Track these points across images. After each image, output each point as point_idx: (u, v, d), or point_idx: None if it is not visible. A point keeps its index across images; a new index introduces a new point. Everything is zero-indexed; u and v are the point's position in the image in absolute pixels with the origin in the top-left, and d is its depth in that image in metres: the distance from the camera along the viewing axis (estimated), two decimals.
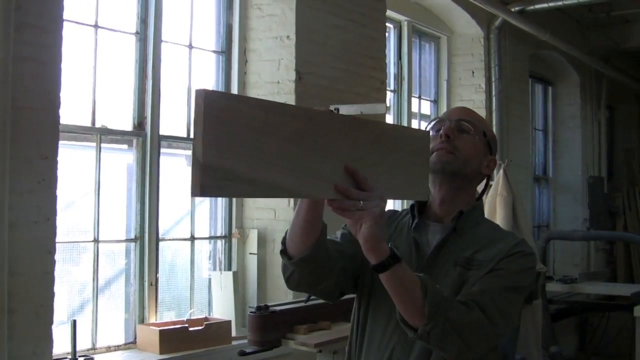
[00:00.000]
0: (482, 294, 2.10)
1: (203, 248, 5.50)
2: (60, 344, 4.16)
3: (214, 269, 5.46)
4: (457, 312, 2.03)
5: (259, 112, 1.69)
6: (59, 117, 3.97)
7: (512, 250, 2.22)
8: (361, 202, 1.90)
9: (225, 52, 5.61)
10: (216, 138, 1.58)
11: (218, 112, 1.59)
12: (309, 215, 2.06)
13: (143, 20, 4.96)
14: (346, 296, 2.41)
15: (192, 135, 5.08)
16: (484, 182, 2.45)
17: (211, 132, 1.58)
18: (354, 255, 2.23)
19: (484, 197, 2.51)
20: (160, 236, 5.00)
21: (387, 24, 6.90)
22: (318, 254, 2.13)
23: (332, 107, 2.05)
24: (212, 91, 1.61)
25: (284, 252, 2.17)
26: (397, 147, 2.10)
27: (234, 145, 1.62)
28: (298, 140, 1.76)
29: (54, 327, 3.93)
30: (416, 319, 2.02)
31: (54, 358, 3.99)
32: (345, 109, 1.91)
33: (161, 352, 4.55)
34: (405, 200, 6.17)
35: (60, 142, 4.00)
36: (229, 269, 5.46)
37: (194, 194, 1.58)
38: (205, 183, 1.57)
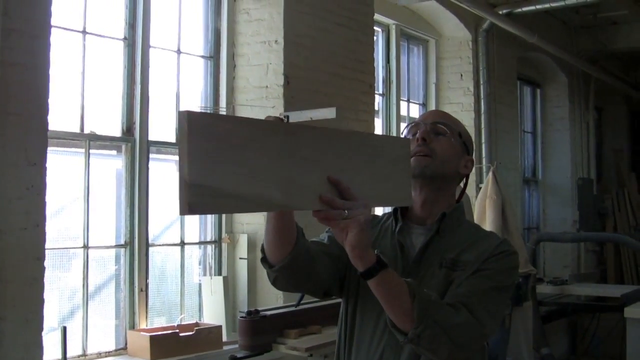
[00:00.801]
0: (469, 295, 2.12)
1: (193, 253, 5.50)
2: (51, 350, 4.15)
3: (204, 274, 5.45)
4: (446, 315, 2.05)
5: (242, 129, 1.72)
6: (47, 123, 3.97)
7: (496, 250, 2.23)
8: (346, 211, 1.92)
9: (213, 57, 5.61)
10: (201, 157, 1.61)
11: (201, 132, 1.62)
12: (279, 223, 2.08)
13: (131, 26, 4.96)
14: (335, 300, 2.43)
15: None
16: (463, 182, 2.46)
17: (195, 151, 1.60)
18: (339, 257, 2.25)
19: (470, 198, 2.53)
20: (150, 242, 5.00)
21: (375, 28, 6.92)
22: (298, 260, 2.14)
23: (281, 115, 2.06)
24: (195, 112, 1.63)
25: (264, 259, 2.19)
26: (379, 155, 2.13)
27: (219, 162, 1.64)
28: (282, 154, 1.79)
29: (44, 333, 3.92)
30: (406, 323, 2.03)
31: None
32: (295, 116, 1.91)
33: (152, 358, 4.54)
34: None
35: (49, 148, 4.00)
36: (219, 273, 5.46)
37: (183, 212, 1.60)
38: (192, 201, 1.59)
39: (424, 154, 2.30)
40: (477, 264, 2.20)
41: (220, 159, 1.64)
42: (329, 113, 2.21)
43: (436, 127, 2.34)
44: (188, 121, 1.60)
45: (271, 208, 1.88)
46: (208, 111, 5.55)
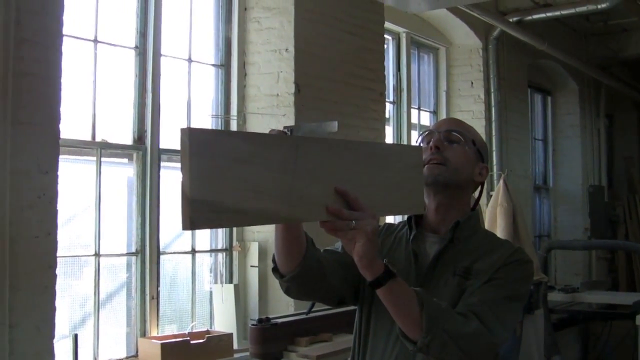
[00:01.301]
0: (481, 304, 2.12)
1: (204, 261, 5.51)
2: (62, 358, 4.16)
3: (215, 282, 5.46)
4: (456, 324, 2.05)
5: (244, 144, 1.74)
6: (59, 131, 3.98)
7: (510, 259, 2.23)
8: (353, 221, 1.93)
9: (224, 65, 5.63)
10: (202, 173, 1.64)
11: (202, 148, 1.65)
12: (287, 234, 2.11)
13: (142, 35, 4.98)
14: (347, 307, 2.43)
15: None
16: (479, 190, 2.46)
17: (197, 167, 1.64)
18: (352, 265, 2.25)
19: (481, 206, 2.53)
20: (161, 249, 5.01)
21: (386, 36, 6.93)
22: (308, 270, 2.16)
23: (284, 128, 2.09)
24: (196, 128, 1.67)
25: (275, 269, 2.21)
26: (389, 164, 2.14)
27: (221, 178, 1.67)
28: (286, 168, 1.81)
29: (55, 341, 3.92)
30: (415, 332, 2.04)
31: None
32: (297, 129, 1.95)
33: None
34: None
35: (61, 157, 4.01)
36: (230, 281, 5.46)
37: (185, 228, 1.63)
38: (194, 217, 1.62)
39: (437, 162, 2.31)
40: (490, 272, 2.20)
41: (221, 175, 1.67)
42: (331, 126, 2.21)
43: (449, 135, 2.35)
44: (189, 138, 1.63)
45: (277, 221, 1.92)
46: (219, 118, 5.56)
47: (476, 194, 2.48)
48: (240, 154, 1.72)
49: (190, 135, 1.63)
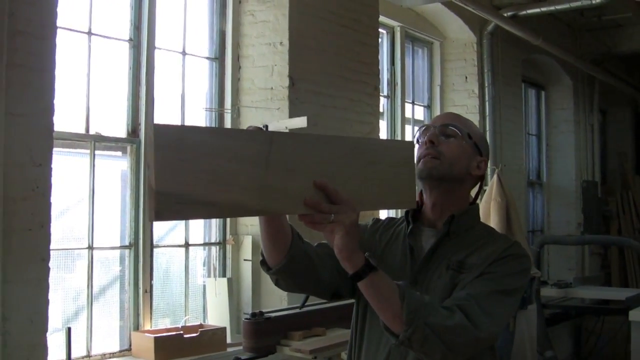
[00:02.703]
0: (468, 298, 2.11)
1: (197, 254, 5.50)
2: (55, 351, 4.16)
3: (209, 276, 5.45)
4: (438, 318, 2.04)
5: (213, 139, 1.79)
6: (52, 124, 3.97)
7: (504, 253, 2.23)
8: (332, 215, 1.93)
9: (218, 58, 5.62)
10: (168, 166, 1.68)
11: (168, 143, 1.69)
12: (270, 228, 2.12)
13: (136, 27, 4.97)
14: (341, 302, 2.43)
15: None
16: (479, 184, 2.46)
17: (162, 161, 1.68)
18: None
19: (478, 200, 2.51)
20: (154, 243, 5.00)
21: (380, 30, 6.92)
22: (294, 263, 2.17)
23: (261, 125, 2.16)
24: (162, 124, 1.71)
25: (263, 262, 2.22)
26: (375, 159, 2.14)
27: (188, 171, 1.71)
28: (259, 162, 1.84)
29: (48, 334, 3.92)
30: (396, 326, 2.04)
31: None
32: (272, 126, 1.99)
33: (156, 359, 4.54)
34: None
35: (54, 149, 4.00)
36: (224, 275, 5.46)
37: (151, 219, 1.69)
38: (159, 208, 1.67)
39: (432, 156, 2.30)
40: (483, 267, 2.19)
41: (189, 168, 1.71)
42: (300, 122, 2.27)
43: (445, 129, 2.34)
44: (154, 133, 1.68)
45: (250, 213, 1.94)
46: (213, 112, 5.55)
47: (477, 188, 2.47)
48: (210, 148, 1.76)
49: (156, 130, 1.68)
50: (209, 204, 1.75)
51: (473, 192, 2.46)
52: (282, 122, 2.07)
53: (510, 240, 2.32)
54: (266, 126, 2.22)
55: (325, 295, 2.37)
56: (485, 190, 7.07)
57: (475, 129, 2.44)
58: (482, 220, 2.48)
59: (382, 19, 6.82)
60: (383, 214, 4.91)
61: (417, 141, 2.39)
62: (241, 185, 1.80)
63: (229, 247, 5.51)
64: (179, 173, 1.70)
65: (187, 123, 5.32)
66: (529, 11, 8.39)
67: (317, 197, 1.94)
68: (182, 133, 1.76)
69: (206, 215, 1.81)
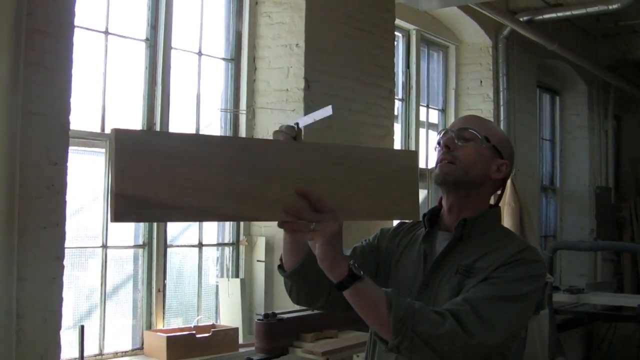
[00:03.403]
0: (463, 304, 2.07)
1: (211, 255, 5.51)
2: (68, 349, 4.17)
3: (222, 276, 5.46)
4: (428, 325, 2.00)
5: (181, 145, 1.82)
6: (68, 123, 3.99)
7: (512, 257, 2.18)
8: (313, 222, 1.92)
9: (234, 59, 5.62)
10: (130, 170, 1.71)
11: (131, 147, 1.72)
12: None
13: (153, 27, 4.98)
14: None
15: None
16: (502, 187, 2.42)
17: (123, 164, 1.71)
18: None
19: (500, 203, 2.48)
20: (168, 242, 5.01)
21: (396, 33, 6.91)
22: (309, 267, 2.15)
23: (292, 123, 2.15)
24: (124, 129, 1.75)
25: (280, 266, 2.23)
26: (369, 168, 2.12)
27: (152, 175, 1.74)
28: (233, 168, 1.85)
29: (61, 332, 3.94)
30: (384, 333, 2.02)
31: None
32: (302, 121, 2.00)
33: (168, 359, 4.55)
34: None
35: (70, 148, 4.02)
36: (237, 276, 5.46)
37: (111, 219, 1.72)
38: (119, 210, 1.70)
39: (447, 161, 2.29)
40: (488, 271, 2.16)
41: (151, 173, 1.74)
42: (326, 112, 2.27)
43: (463, 133, 2.32)
44: (116, 138, 1.72)
45: (221, 218, 2.03)
46: (228, 112, 5.56)
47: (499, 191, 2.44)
48: (177, 153, 1.78)
49: (117, 135, 1.72)
50: (174, 207, 1.77)
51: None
52: (309, 115, 2.10)
53: (523, 245, 2.28)
54: (297, 123, 2.21)
55: (339, 308, 2.28)
56: (498, 194, 7.05)
57: (495, 131, 2.41)
58: None
59: (398, 22, 6.82)
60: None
61: (437, 145, 2.38)
62: (211, 191, 1.81)
63: (242, 248, 5.51)
64: (140, 176, 1.72)
65: (202, 123, 5.34)
66: (545, 16, 8.38)
67: (299, 204, 1.93)
68: (143, 138, 1.80)
69: (171, 218, 1.83)
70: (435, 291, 2.23)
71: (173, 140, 1.84)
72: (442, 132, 2.37)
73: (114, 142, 1.71)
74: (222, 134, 5.55)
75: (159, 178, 1.75)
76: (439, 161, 2.31)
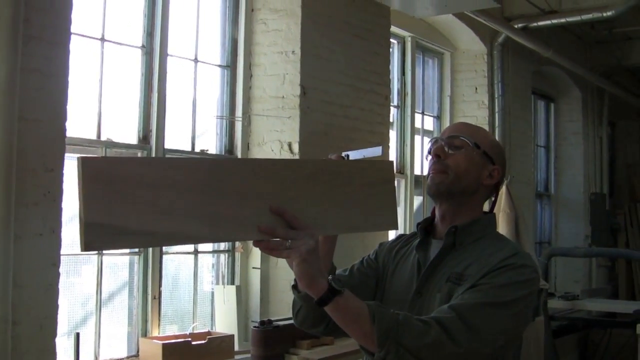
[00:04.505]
0: (450, 311, 2.05)
1: (206, 262, 5.50)
2: (64, 356, 4.16)
3: (217, 283, 5.45)
4: (413, 336, 1.98)
5: (148, 170, 1.80)
6: (65, 129, 3.99)
7: (501, 263, 2.15)
8: (289, 241, 1.91)
9: (230, 66, 5.63)
10: (97, 198, 1.70)
11: (97, 176, 1.71)
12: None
13: (149, 34, 4.98)
14: None
15: (196, 149, 5.06)
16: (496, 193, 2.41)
17: (91, 193, 1.69)
18: (359, 287, 2.29)
19: (494, 209, 2.48)
20: (163, 249, 5.00)
21: (391, 40, 6.93)
22: None
23: (343, 154, 2.16)
24: (90, 157, 1.75)
25: (295, 286, 2.17)
26: (345, 181, 2.12)
27: (121, 202, 1.73)
28: (204, 190, 1.84)
29: (57, 339, 3.93)
30: (370, 346, 2.02)
31: None
32: (353, 155, 2.03)
33: None
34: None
35: (66, 155, 4.01)
36: (232, 283, 5.46)
37: (82, 249, 1.70)
38: (88, 240, 1.69)
39: (438, 170, 2.28)
40: (476, 277, 2.14)
41: (120, 200, 1.72)
42: (376, 152, 2.29)
43: (453, 140, 2.30)
44: (82, 166, 1.70)
45: (195, 241, 2.02)
46: (224, 119, 5.57)
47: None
48: (144, 178, 1.77)
49: (83, 163, 1.70)
50: (146, 233, 1.76)
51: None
52: (362, 151, 2.13)
53: (514, 250, 2.24)
54: (347, 155, 2.22)
55: (342, 332, 2.18)
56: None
57: (485, 137, 2.39)
58: None
59: (393, 29, 6.83)
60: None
61: (428, 155, 2.37)
62: (182, 214, 1.80)
63: (237, 255, 5.51)
64: (108, 204, 1.71)
65: (198, 130, 5.34)
66: (540, 23, 8.40)
67: (274, 223, 1.92)
68: (110, 165, 1.78)
69: (144, 244, 1.84)
70: (428, 299, 2.21)
71: (140, 166, 1.83)
72: (433, 141, 2.36)
73: (80, 171, 1.70)
74: (218, 141, 5.56)
75: (127, 205, 1.73)
76: (430, 171, 2.30)
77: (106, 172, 1.73)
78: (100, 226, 1.70)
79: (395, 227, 2.28)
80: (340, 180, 2.10)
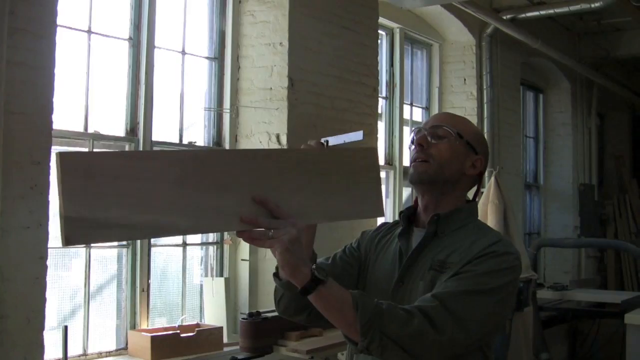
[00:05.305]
0: (433, 300, 2.06)
1: (195, 254, 5.50)
2: (52, 349, 4.15)
3: (206, 275, 5.45)
4: (396, 324, 1.99)
5: (127, 163, 1.81)
6: (51, 122, 3.97)
7: (484, 251, 2.16)
8: (271, 230, 1.92)
9: (217, 58, 5.62)
10: (76, 192, 1.70)
11: (75, 170, 1.71)
12: None
13: (136, 26, 4.97)
14: None
15: (184, 141, 5.04)
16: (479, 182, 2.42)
17: (69, 187, 1.70)
18: (342, 276, 2.30)
19: (477, 199, 2.49)
20: (151, 242, 5.00)
21: (380, 31, 6.92)
22: None
23: (322, 140, 2.17)
24: (68, 152, 1.75)
25: (276, 274, 2.18)
26: (329, 169, 2.12)
27: (99, 196, 1.73)
28: (183, 182, 1.85)
29: (45, 332, 3.92)
30: (353, 335, 2.02)
31: None
32: (332, 140, 2.03)
33: (152, 359, 4.54)
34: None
35: (53, 147, 4.00)
36: (221, 275, 5.45)
37: (63, 244, 1.70)
38: (69, 234, 1.69)
39: (421, 159, 2.28)
40: (459, 266, 2.14)
41: (100, 193, 1.73)
42: (357, 136, 2.29)
43: (435, 130, 2.31)
44: (60, 161, 1.70)
45: (176, 233, 2.01)
46: (212, 111, 5.56)
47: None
48: (123, 172, 1.77)
49: (62, 158, 1.70)
50: (127, 226, 1.76)
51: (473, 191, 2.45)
52: (342, 136, 2.12)
53: (495, 238, 2.25)
54: (327, 141, 2.22)
55: (324, 321, 2.17)
56: (482, 192, 7.08)
57: (468, 127, 2.39)
58: None
59: (381, 20, 6.83)
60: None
61: (411, 144, 2.37)
62: (162, 207, 1.81)
63: (226, 247, 5.51)
64: (87, 198, 1.71)
65: (186, 123, 5.33)
66: (528, 14, 8.42)
67: (257, 212, 1.93)
68: (88, 159, 1.79)
69: (125, 237, 1.87)
70: (411, 287, 2.23)
71: (116, 159, 1.84)
72: (416, 131, 2.37)
73: (59, 166, 1.70)
74: (206, 133, 5.55)
75: (106, 198, 1.74)
76: (413, 160, 2.31)
77: (84, 166, 1.73)
78: (80, 220, 1.70)
79: (381, 214, 2.28)
80: (323, 169, 2.11)
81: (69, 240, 1.69)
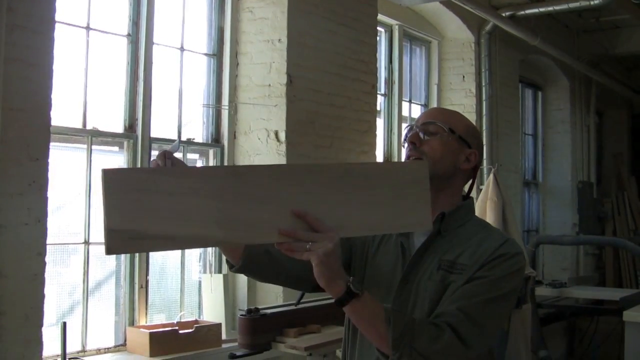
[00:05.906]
0: (457, 313, 2.09)
1: (193, 251, 5.49)
2: (50, 346, 4.15)
3: (204, 272, 5.45)
4: (426, 340, 2.04)
5: (166, 178, 1.91)
6: (50, 118, 3.97)
7: (495, 253, 2.19)
8: (309, 243, 1.95)
9: (216, 54, 5.61)
10: (119, 206, 1.83)
11: (118, 185, 1.85)
12: None
13: (135, 23, 4.96)
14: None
15: (183, 138, 5.05)
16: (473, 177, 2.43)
17: (112, 201, 1.83)
18: None
19: (472, 194, 2.49)
20: None
21: (378, 28, 6.92)
22: (252, 262, 2.23)
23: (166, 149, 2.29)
24: (111, 169, 1.88)
25: (227, 260, 2.27)
26: (373, 183, 2.12)
27: (141, 209, 1.85)
28: (222, 196, 1.93)
29: (43, 329, 3.92)
30: (384, 348, 2.06)
31: None
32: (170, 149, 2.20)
33: (151, 355, 4.54)
34: None
35: (51, 144, 4.00)
36: (219, 271, 5.46)
37: (106, 253, 1.85)
38: (110, 244, 1.82)
39: (415, 157, 2.29)
40: (474, 269, 2.17)
41: (141, 206, 1.85)
42: (172, 147, 2.40)
43: (427, 127, 2.32)
44: (104, 178, 1.84)
45: (213, 244, 2.13)
46: (211, 108, 5.55)
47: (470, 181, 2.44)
48: (164, 186, 1.88)
49: (106, 175, 1.84)
50: (166, 237, 1.87)
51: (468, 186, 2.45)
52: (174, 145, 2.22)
53: (503, 238, 2.28)
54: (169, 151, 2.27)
55: (304, 287, 2.38)
56: (481, 189, 7.08)
57: (460, 121, 2.39)
58: None
59: (380, 17, 6.82)
60: None
61: (404, 142, 2.38)
62: (201, 219, 1.89)
63: None
64: (130, 212, 1.84)
65: (184, 119, 5.33)
66: (527, 11, 8.41)
67: (295, 225, 1.97)
68: (130, 175, 1.94)
69: (164, 248, 1.99)
70: (417, 286, 2.24)
71: (157, 174, 1.92)
72: (408, 129, 2.38)
73: (104, 182, 1.83)
74: (205, 130, 5.55)
75: (148, 212, 1.85)
76: (406, 158, 2.32)
77: (127, 181, 1.86)
78: (121, 232, 1.82)
79: (429, 227, 2.22)
80: (366, 183, 2.11)
81: (110, 250, 1.82)
